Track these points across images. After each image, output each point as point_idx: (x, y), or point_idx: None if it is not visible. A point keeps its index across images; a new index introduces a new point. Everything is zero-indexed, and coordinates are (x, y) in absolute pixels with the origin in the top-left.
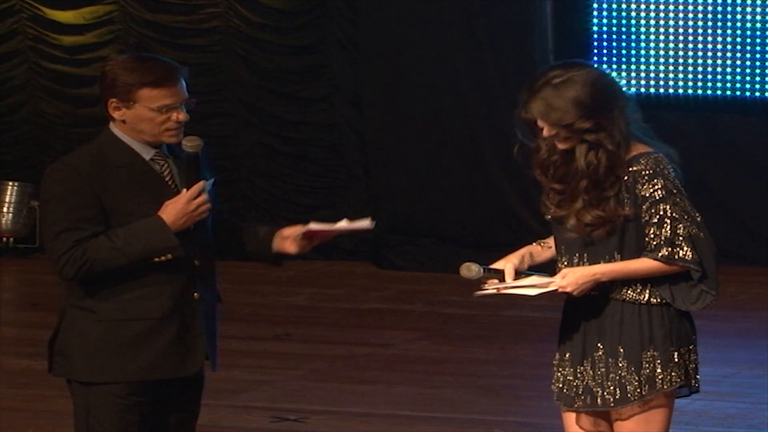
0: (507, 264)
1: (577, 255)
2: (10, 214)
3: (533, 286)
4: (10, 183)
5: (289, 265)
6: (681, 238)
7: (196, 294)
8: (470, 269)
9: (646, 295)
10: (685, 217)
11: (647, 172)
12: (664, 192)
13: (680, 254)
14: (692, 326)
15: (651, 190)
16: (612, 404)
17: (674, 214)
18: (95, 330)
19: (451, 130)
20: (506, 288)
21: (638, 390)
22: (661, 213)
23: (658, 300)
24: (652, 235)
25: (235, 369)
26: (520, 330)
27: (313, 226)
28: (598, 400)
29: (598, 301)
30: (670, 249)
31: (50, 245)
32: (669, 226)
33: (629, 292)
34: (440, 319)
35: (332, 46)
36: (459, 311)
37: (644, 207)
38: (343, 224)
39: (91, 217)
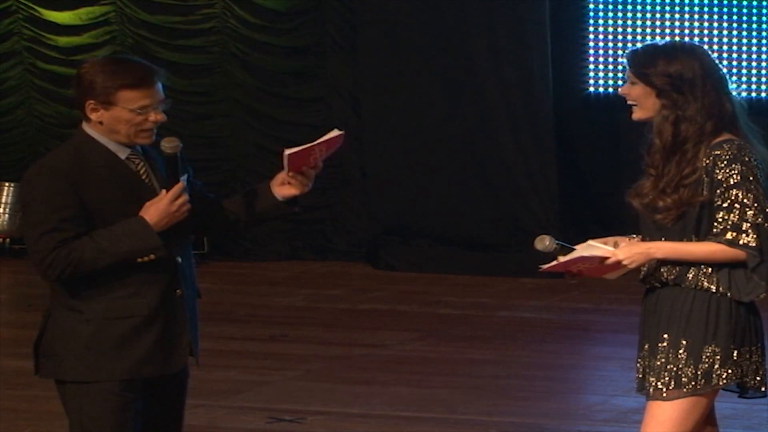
0: (583, 244)
1: (661, 239)
2: (6, 215)
3: (590, 255)
4: (6, 184)
5: (285, 266)
6: (748, 225)
7: (178, 291)
8: (543, 241)
9: (715, 281)
10: (756, 204)
11: (727, 156)
12: (739, 177)
13: (745, 240)
14: (759, 326)
15: (727, 175)
16: (664, 393)
17: (745, 201)
18: (84, 329)
19: (447, 131)
20: (566, 257)
21: (693, 382)
22: (733, 198)
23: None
24: (720, 219)
25: (231, 370)
26: (515, 331)
27: (288, 151)
28: (651, 390)
29: (673, 290)
30: (735, 234)
31: (33, 247)
32: (738, 211)
33: (704, 278)
34: (436, 319)
35: (329, 47)
36: (455, 312)
37: (718, 191)
38: (317, 141)
39: (73, 217)
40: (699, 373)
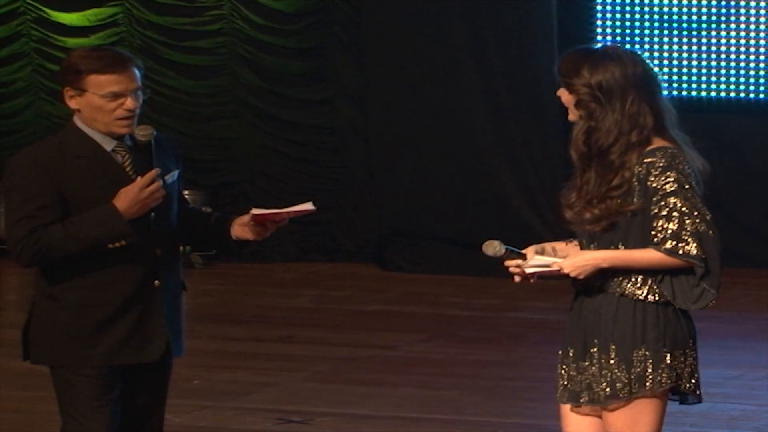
0: (530, 249)
1: (591, 247)
2: None
3: (542, 265)
4: None
5: (293, 267)
6: (688, 233)
7: (156, 282)
8: (493, 246)
9: (645, 291)
10: (695, 213)
11: (661, 164)
12: (676, 185)
13: (685, 249)
14: (691, 330)
15: (663, 182)
16: (602, 400)
17: (684, 209)
18: (59, 317)
19: (454, 132)
20: (523, 269)
21: (627, 387)
22: (671, 206)
23: (656, 298)
24: (659, 228)
25: (239, 371)
26: (523, 332)
27: (256, 211)
28: (593, 396)
29: (599, 297)
30: (675, 242)
31: (9, 232)
32: (677, 220)
33: (628, 285)
34: (444, 321)
35: (336, 48)
36: (463, 313)
37: (654, 199)
38: (288, 208)
39: (49, 206)
40: (632, 377)
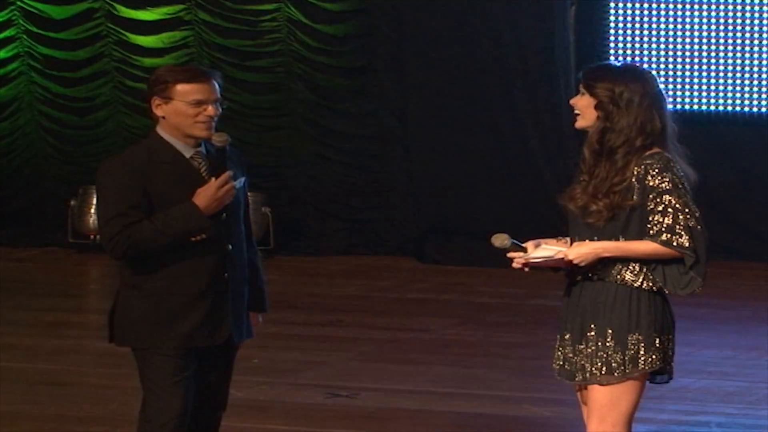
0: (529, 243)
1: (593, 239)
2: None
3: (546, 255)
4: None
5: (342, 260)
6: (681, 227)
7: (226, 274)
8: (500, 238)
9: (641, 279)
10: (686, 210)
11: (658, 166)
12: (671, 185)
13: (679, 241)
14: (673, 317)
15: (659, 182)
16: (598, 378)
17: (677, 205)
18: (141, 304)
19: (483, 140)
20: (529, 259)
21: (622, 367)
22: (666, 203)
23: (650, 286)
24: (655, 222)
25: (294, 351)
26: (545, 317)
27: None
28: (587, 375)
29: (597, 285)
30: (669, 235)
31: (102, 229)
32: (672, 215)
33: (627, 273)
34: (475, 307)
35: (380, 67)
36: (492, 300)
37: (651, 196)
38: None
39: (137, 205)
40: (626, 358)
